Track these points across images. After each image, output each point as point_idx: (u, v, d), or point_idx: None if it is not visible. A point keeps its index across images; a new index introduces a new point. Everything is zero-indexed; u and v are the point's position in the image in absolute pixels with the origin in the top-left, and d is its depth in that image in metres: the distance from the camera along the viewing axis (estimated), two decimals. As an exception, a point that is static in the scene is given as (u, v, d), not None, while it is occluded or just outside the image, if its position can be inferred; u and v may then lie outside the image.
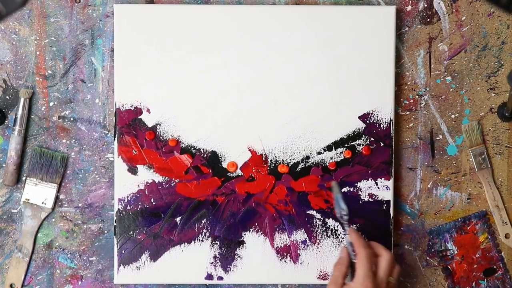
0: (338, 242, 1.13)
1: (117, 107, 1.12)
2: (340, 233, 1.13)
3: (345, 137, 1.13)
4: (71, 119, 1.14)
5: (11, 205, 1.15)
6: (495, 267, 1.16)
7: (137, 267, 1.13)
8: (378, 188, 1.13)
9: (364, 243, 1.05)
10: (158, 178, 1.13)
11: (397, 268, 1.06)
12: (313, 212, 1.13)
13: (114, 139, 1.13)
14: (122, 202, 1.13)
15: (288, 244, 1.14)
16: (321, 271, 1.14)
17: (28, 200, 1.14)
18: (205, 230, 1.13)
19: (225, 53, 1.12)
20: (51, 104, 1.14)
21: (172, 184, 1.13)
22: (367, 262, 1.03)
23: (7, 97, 1.14)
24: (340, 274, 1.04)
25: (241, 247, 1.13)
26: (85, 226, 1.15)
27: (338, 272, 1.05)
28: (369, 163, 1.13)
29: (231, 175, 1.13)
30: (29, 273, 1.15)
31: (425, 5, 1.14)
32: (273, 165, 1.13)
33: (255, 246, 1.13)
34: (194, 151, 1.13)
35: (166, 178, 1.13)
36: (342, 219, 1.08)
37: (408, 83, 1.15)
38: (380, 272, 1.04)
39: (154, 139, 1.13)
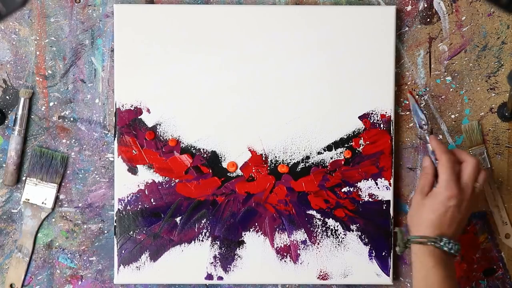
0: (338, 242, 1.13)
1: (117, 107, 1.12)
2: (340, 233, 1.13)
3: (345, 137, 1.13)
4: (71, 119, 1.14)
5: (11, 205, 1.15)
6: (495, 267, 1.16)
7: (137, 267, 1.13)
8: (378, 188, 1.13)
9: (446, 149, 1.04)
10: (158, 178, 1.13)
11: (482, 174, 1.04)
12: (313, 212, 1.13)
13: (114, 139, 1.13)
14: (122, 202, 1.13)
15: (288, 244, 1.14)
16: (321, 271, 1.14)
17: (28, 200, 1.14)
18: (205, 230, 1.13)
19: (225, 53, 1.12)
20: (51, 104, 1.14)
21: (172, 184, 1.13)
22: (449, 167, 1.02)
23: (7, 97, 1.14)
24: (427, 183, 1.04)
25: (241, 247, 1.13)
26: (85, 226, 1.15)
27: (424, 180, 1.05)
28: (369, 163, 1.13)
29: (231, 175, 1.13)
30: (29, 273, 1.15)
31: (425, 5, 1.14)
32: (273, 165, 1.13)
33: (255, 246, 1.13)
34: (194, 151, 1.13)
35: (166, 178, 1.13)
36: (422, 129, 1.09)
37: (408, 83, 1.15)
38: (464, 177, 1.03)
39: (154, 139, 1.13)
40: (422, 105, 1.15)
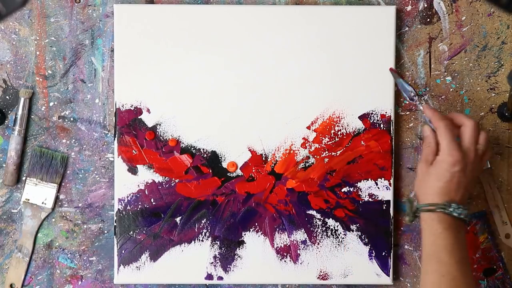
0: (338, 242, 1.13)
1: (117, 107, 1.12)
2: (340, 233, 1.13)
3: (345, 137, 1.13)
4: (71, 119, 1.14)
5: (11, 205, 1.15)
6: (495, 267, 1.16)
7: (137, 267, 1.13)
8: (378, 188, 1.13)
9: (441, 115, 1.04)
10: (158, 178, 1.13)
11: (483, 135, 1.04)
12: (313, 212, 1.13)
13: (114, 139, 1.13)
14: (122, 202, 1.13)
15: (288, 244, 1.14)
16: (321, 271, 1.14)
17: (28, 200, 1.14)
18: (205, 230, 1.13)
19: (225, 53, 1.12)
20: (51, 104, 1.14)
21: (172, 184, 1.13)
22: (448, 133, 1.02)
23: (7, 97, 1.14)
24: (430, 151, 1.04)
25: (241, 247, 1.13)
26: (85, 226, 1.15)
27: (428, 149, 1.04)
28: (369, 162, 1.13)
29: (231, 175, 1.13)
30: (29, 273, 1.15)
31: (425, 5, 1.14)
32: (273, 165, 1.13)
33: (255, 246, 1.13)
34: (194, 151, 1.13)
35: (166, 178, 1.13)
36: (413, 100, 1.09)
37: (408, 83, 1.15)
38: (465, 141, 1.03)
39: (154, 139, 1.13)
40: (422, 106, 1.15)
